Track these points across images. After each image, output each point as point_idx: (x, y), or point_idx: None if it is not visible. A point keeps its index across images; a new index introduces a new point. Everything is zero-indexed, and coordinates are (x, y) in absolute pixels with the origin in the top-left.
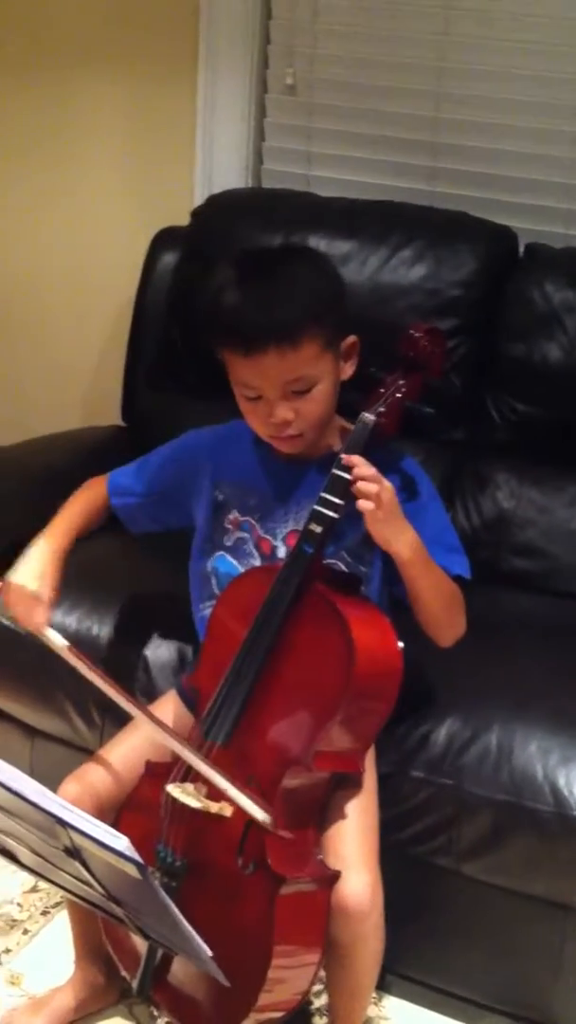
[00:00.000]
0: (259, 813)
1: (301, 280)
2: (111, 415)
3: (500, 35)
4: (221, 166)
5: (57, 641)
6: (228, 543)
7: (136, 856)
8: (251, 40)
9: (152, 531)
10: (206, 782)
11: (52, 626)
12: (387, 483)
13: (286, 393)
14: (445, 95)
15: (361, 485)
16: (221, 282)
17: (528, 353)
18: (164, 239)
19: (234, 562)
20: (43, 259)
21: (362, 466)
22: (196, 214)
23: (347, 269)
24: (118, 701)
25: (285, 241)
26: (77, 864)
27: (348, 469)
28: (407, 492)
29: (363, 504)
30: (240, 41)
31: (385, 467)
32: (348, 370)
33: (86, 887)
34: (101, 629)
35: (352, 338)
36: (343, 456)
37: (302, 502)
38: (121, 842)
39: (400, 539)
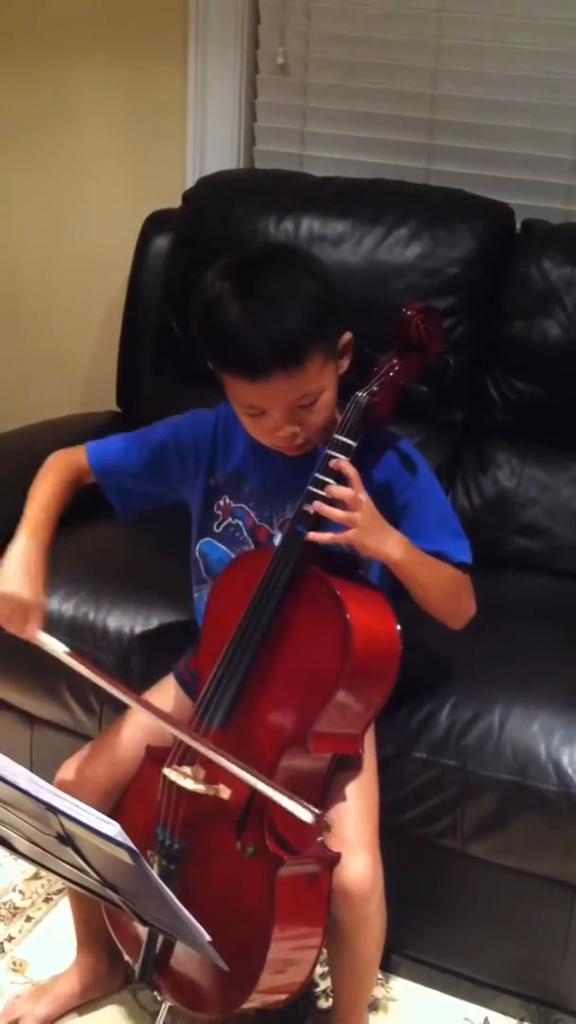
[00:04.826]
0: (273, 792)
1: (297, 293)
2: (109, 401)
3: (498, 10)
4: (213, 147)
5: (54, 646)
6: (217, 529)
7: (128, 842)
8: (241, 20)
9: (140, 508)
10: (204, 764)
11: (50, 616)
12: (362, 496)
13: (292, 410)
14: (443, 72)
15: (327, 511)
16: (212, 298)
17: (527, 331)
18: (155, 222)
19: (223, 548)
20: (37, 243)
21: (339, 484)
22: (187, 196)
23: (342, 250)
24: (124, 700)
25: (278, 224)
26: (70, 851)
27: (342, 449)
28: (408, 475)
29: (341, 533)
30: (230, 21)
31: (381, 449)
32: (344, 364)
33: (83, 874)
34: (98, 615)
35: (347, 335)
36: (337, 435)
37: (302, 490)
38: (112, 828)
39: (386, 545)
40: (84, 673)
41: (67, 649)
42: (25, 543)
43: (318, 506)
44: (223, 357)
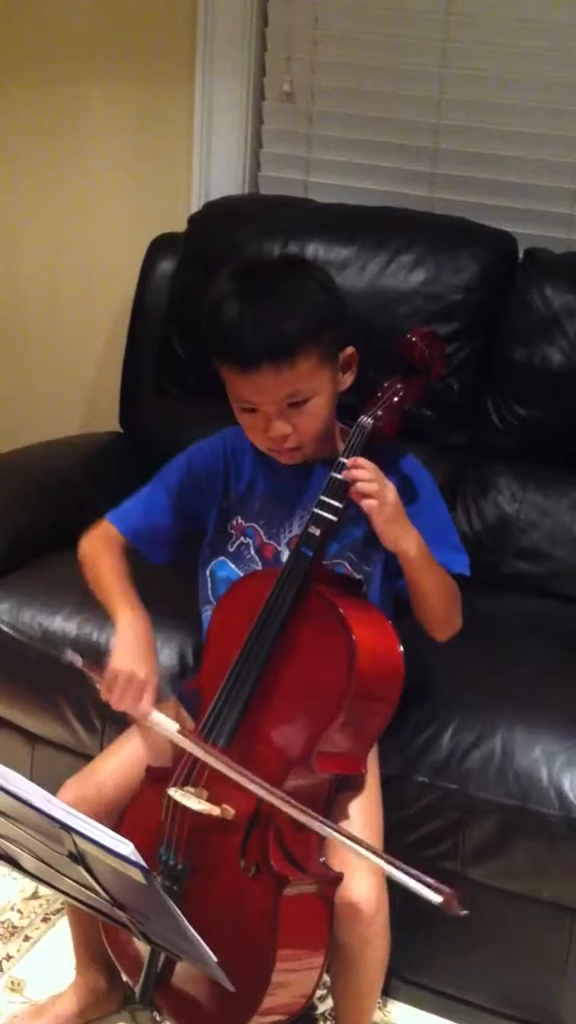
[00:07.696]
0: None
1: (298, 296)
2: (111, 421)
3: (503, 40)
4: (219, 173)
5: (166, 726)
6: (231, 549)
7: (141, 861)
8: (248, 48)
9: (184, 551)
10: (208, 785)
11: (54, 634)
12: (389, 482)
13: (282, 408)
14: (447, 101)
15: (361, 485)
16: (218, 295)
17: (529, 357)
18: (161, 246)
19: (234, 567)
20: (42, 265)
21: (361, 467)
22: (193, 220)
23: (346, 275)
24: (250, 787)
25: (282, 249)
26: (81, 870)
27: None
28: (408, 493)
29: (367, 503)
30: (237, 48)
31: (385, 468)
32: (347, 380)
33: (90, 893)
34: (101, 635)
35: (350, 349)
36: (343, 459)
37: (307, 507)
38: (127, 847)
39: (407, 537)
40: (200, 755)
41: (180, 728)
42: (129, 616)
43: (354, 472)
44: (218, 348)
